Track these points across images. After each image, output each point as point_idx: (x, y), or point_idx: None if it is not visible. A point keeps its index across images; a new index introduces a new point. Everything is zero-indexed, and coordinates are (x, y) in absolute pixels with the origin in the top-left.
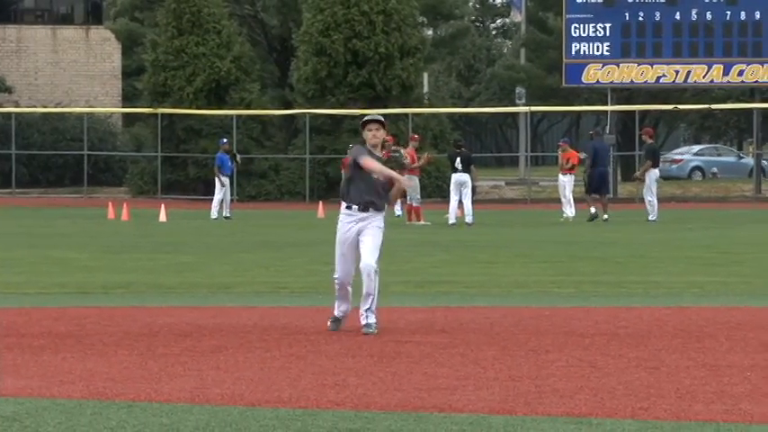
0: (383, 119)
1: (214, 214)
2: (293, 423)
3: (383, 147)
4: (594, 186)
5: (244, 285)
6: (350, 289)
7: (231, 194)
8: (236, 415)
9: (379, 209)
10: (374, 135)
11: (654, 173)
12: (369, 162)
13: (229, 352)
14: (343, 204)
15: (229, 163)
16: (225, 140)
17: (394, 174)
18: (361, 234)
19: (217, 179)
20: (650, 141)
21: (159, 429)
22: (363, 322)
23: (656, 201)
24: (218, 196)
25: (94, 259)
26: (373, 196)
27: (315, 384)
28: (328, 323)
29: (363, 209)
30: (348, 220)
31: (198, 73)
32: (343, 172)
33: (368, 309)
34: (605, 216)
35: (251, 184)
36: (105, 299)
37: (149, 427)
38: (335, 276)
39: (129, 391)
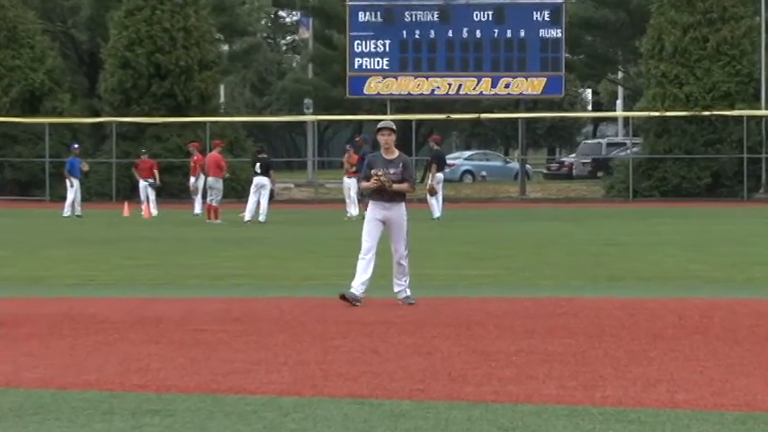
0: (393, 126)
1: (66, 212)
2: (101, 405)
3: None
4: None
5: (55, 278)
6: (374, 256)
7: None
8: (47, 397)
9: (397, 200)
10: (386, 140)
11: (438, 176)
12: (363, 185)
13: (41, 339)
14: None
15: (79, 166)
16: (76, 146)
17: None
18: (390, 227)
19: (67, 180)
20: (437, 147)
21: None
22: (403, 296)
23: (441, 200)
24: (69, 197)
25: None
26: (388, 192)
27: (120, 369)
28: (355, 302)
29: (387, 200)
30: (375, 208)
31: (13, 84)
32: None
33: (406, 286)
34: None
35: (62, 186)
36: None
37: None
38: (362, 247)
39: None
